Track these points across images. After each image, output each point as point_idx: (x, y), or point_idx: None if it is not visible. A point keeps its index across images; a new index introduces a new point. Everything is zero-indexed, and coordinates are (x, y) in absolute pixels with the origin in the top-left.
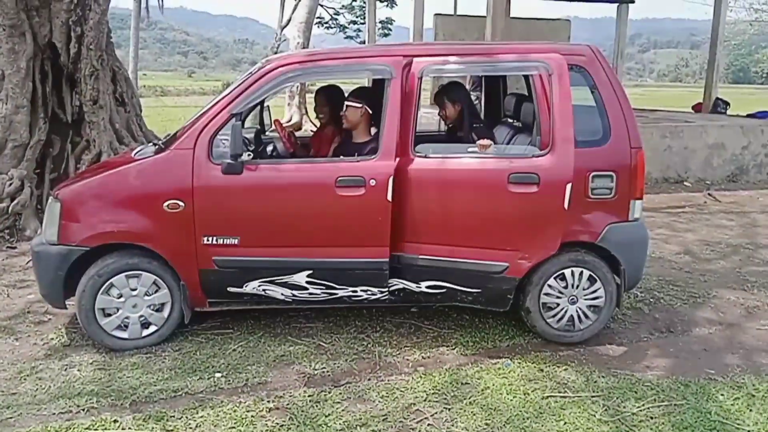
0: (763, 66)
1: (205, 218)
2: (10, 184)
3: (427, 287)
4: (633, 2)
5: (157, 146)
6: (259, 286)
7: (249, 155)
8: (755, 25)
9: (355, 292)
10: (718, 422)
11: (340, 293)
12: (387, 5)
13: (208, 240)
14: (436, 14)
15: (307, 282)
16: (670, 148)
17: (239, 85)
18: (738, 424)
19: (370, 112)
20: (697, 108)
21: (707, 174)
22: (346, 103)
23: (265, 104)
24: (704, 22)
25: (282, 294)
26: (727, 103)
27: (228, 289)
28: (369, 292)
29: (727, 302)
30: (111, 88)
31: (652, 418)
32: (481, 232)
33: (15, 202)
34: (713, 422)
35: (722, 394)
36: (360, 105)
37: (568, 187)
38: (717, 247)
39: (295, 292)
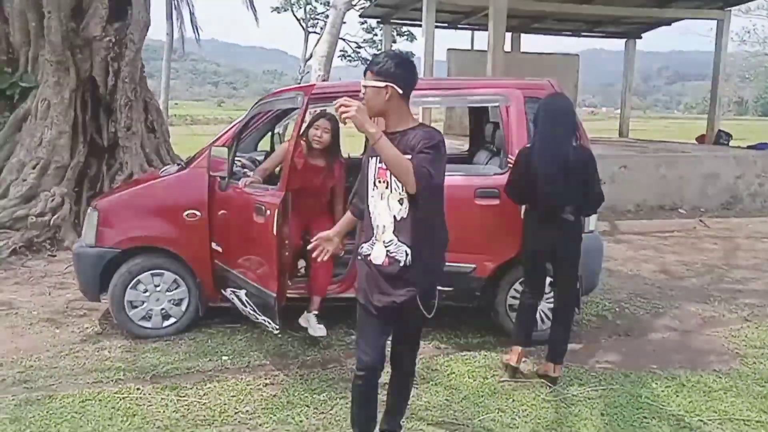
0: None
1: (212, 226)
2: (53, 200)
3: None
4: (640, 38)
5: (179, 165)
6: (231, 293)
7: None
8: None
9: (265, 322)
10: (645, 403)
11: (260, 318)
12: (407, 39)
13: (214, 245)
14: (449, 49)
15: (246, 301)
16: (665, 177)
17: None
18: (663, 406)
19: (400, 91)
20: (701, 140)
21: (702, 202)
22: (364, 83)
23: (276, 130)
24: (730, 54)
25: (239, 306)
26: (729, 135)
27: (221, 289)
28: (271, 326)
29: (687, 313)
30: (143, 117)
31: (589, 399)
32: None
33: (56, 216)
34: (642, 403)
35: (656, 383)
36: (382, 83)
37: None
38: (693, 267)
39: (245, 308)
